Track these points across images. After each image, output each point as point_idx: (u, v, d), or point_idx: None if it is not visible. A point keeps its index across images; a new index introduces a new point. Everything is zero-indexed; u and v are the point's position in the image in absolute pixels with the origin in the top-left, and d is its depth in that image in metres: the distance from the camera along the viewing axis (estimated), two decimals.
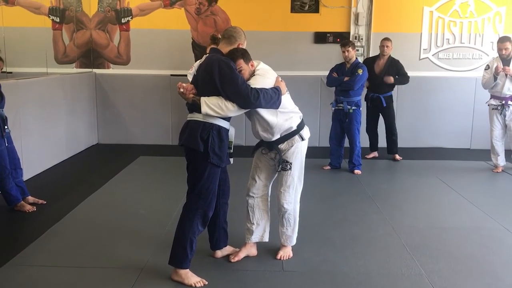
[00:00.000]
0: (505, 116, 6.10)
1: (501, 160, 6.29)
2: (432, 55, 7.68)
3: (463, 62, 7.68)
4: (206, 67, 3.09)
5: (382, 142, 6.96)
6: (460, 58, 7.68)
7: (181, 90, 3.08)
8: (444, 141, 7.70)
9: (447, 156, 7.16)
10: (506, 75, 5.93)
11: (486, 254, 3.72)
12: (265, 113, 3.22)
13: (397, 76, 6.61)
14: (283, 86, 3.26)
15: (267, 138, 3.35)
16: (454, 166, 6.58)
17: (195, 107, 3.07)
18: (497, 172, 6.25)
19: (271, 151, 3.42)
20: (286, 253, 3.57)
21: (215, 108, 3.02)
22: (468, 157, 7.06)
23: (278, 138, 3.34)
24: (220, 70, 3.00)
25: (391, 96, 6.71)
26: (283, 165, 3.39)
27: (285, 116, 3.29)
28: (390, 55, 6.64)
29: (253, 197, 3.51)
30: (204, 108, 3.01)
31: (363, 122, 6.86)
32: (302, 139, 3.39)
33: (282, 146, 3.37)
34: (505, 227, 4.27)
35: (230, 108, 3.04)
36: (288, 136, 3.35)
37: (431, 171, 6.22)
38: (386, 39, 6.62)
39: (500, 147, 6.25)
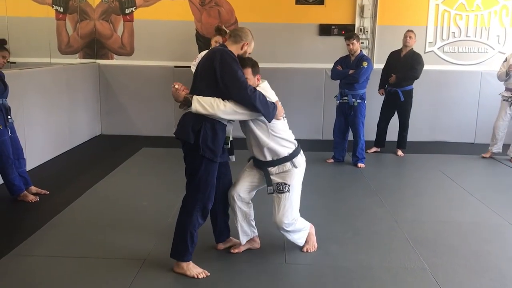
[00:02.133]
0: None
1: (496, 148, 6.58)
2: (438, 49, 7.63)
3: (468, 55, 7.63)
4: (209, 54, 3.07)
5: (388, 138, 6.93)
6: (465, 51, 7.63)
7: (176, 86, 3.07)
8: (448, 135, 7.67)
9: (451, 150, 7.13)
10: None
11: (490, 248, 3.70)
12: (259, 132, 3.18)
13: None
14: (280, 110, 3.20)
15: (259, 157, 3.31)
16: (458, 160, 6.56)
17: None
18: (485, 156, 6.60)
19: (261, 170, 3.38)
20: (311, 245, 3.57)
21: (206, 105, 2.97)
22: (472, 151, 7.02)
23: (270, 161, 3.29)
24: (222, 58, 2.97)
25: (410, 91, 6.54)
26: (281, 187, 3.30)
27: (277, 141, 3.24)
28: (412, 48, 6.53)
29: (234, 199, 3.40)
30: (194, 104, 2.97)
31: (376, 116, 6.83)
32: (294, 166, 3.31)
33: (272, 170, 3.31)
34: (509, 221, 4.26)
35: (221, 108, 2.97)
36: (280, 161, 3.29)
37: (435, 165, 6.19)
38: (410, 30, 6.49)
39: (500, 137, 6.53)
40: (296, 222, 3.40)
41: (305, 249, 3.55)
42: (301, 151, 3.41)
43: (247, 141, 3.35)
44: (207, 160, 3.06)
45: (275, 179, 3.32)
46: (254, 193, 3.50)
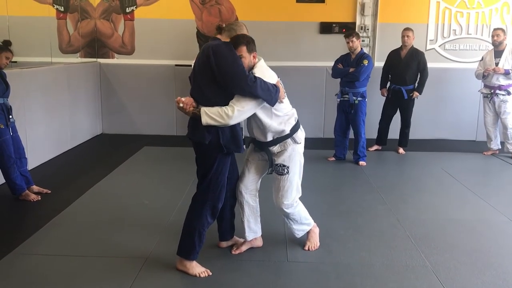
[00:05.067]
0: (494, 103, 6.54)
1: (494, 144, 6.71)
2: (439, 46, 7.62)
3: (469, 53, 7.62)
4: (203, 51, 3.03)
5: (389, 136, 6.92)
6: (466, 49, 7.63)
7: (181, 105, 2.99)
8: (449, 133, 7.67)
9: (452, 148, 7.13)
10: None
11: (491, 246, 3.71)
12: (261, 114, 3.15)
13: (417, 81, 6.59)
14: (281, 91, 3.17)
15: (260, 138, 3.29)
16: (459, 158, 6.56)
17: (200, 100, 3.03)
18: (486, 154, 6.70)
19: (262, 151, 3.37)
20: (312, 243, 3.56)
21: (215, 116, 2.94)
22: (474, 149, 7.02)
23: (271, 140, 3.27)
24: (216, 53, 2.93)
25: (413, 90, 6.55)
26: (280, 169, 3.30)
27: (280, 119, 3.22)
28: (412, 46, 6.55)
29: (241, 192, 3.42)
30: (204, 118, 2.94)
31: (377, 114, 6.82)
32: (296, 142, 3.30)
33: (274, 149, 3.29)
34: (510, 219, 4.26)
35: (229, 115, 2.94)
36: (281, 139, 3.27)
37: (436, 163, 6.19)
38: (407, 29, 6.49)
39: (492, 133, 6.69)
40: (297, 206, 3.41)
41: (306, 247, 3.55)
42: (301, 126, 3.38)
43: (247, 125, 3.32)
44: (221, 156, 3.06)
45: (275, 159, 3.31)
46: (259, 182, 3.49)
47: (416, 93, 6.54)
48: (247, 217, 3.47)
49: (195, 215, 3.12)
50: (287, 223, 3.51)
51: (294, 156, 3.31)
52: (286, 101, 3.29)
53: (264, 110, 3.14)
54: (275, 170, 3.33)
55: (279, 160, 3.30)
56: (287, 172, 3.30)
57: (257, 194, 3.50)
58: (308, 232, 3.58)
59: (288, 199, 3.34)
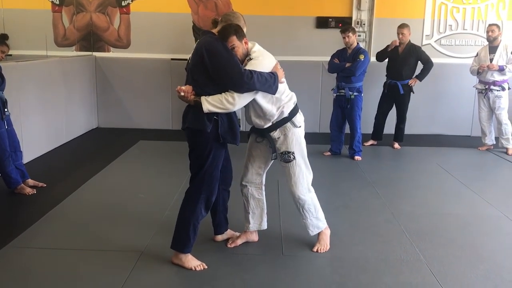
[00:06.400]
0: (489, 99, 6.56)
1: (489, 140, 6.73)
2: (435, 41, 7.63)
3: (465, 48, 7.63)
4: (197, 51, 3.02)
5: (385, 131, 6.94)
6: (462, 44, 7.64)
7: (182, 94, 2.98)
8: (444, 128, 7.69)
9: (447, 143, 7.15)
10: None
11: (486, 240, 3.73)
12: (262, 100, 3.12)
13: (417, 73, 6.59)
14: (280, 73, 3.15)
15: (259, 125, 3.25)
16: (454, 153, 6.59)
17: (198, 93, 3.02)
18: (481, 150, 6.72)
19: (265, 139, 3.34)
20: (322, 245, 3.48)
21: (216, 103, 2.94)
22: (469, 144, 7.04)
23: (270, 126, 3.24)
24: (208, 53, 2.93)
25: (409, 85, 6.57)
26: (286, 156, 3.27)
27: (280, 102, 3.19)
28: (410, 41, 6.53)
29: (246, 186, 3.44)
30: (205, 105, 2.93)
31: (373, 109, 6.83)
32: (295, 126, 3.27)
33: (274, 134, 3.26)
34: (505, 214, 4.28)
35: (230, 101, 2.95)
36: (280, 123, 3.23)
37: (431, 158, 6.22)
38: (402, 26, 6.44)
39: (487, 128, 6.70)
40: (312, 193, 3.39)
41: (315, 249, 3.46)
42: (299, 110, 3.35)
43: (245, 113, 3.30)
44: (215, 150, 3.05)
45: (278, 147, 3.28)
46: (264, 176, 3.49)
47: (415, 80, 6.52)
48: (252, 210, 3.48)
49: (189, 208, 3.12)
50: (302, 217, 3.41)
51: (296, 140, 3.27)
52: (285, 85, 3.27)
53: (264, 96, 3.11)
54: (281, 159, 3.31)
55: (282, 148, 3.27)
56: (294, 158, 3.27)
57: (263, 187, 3.50)
58: (319, 233, 3.50)
59: (303, 183, 3.32)
